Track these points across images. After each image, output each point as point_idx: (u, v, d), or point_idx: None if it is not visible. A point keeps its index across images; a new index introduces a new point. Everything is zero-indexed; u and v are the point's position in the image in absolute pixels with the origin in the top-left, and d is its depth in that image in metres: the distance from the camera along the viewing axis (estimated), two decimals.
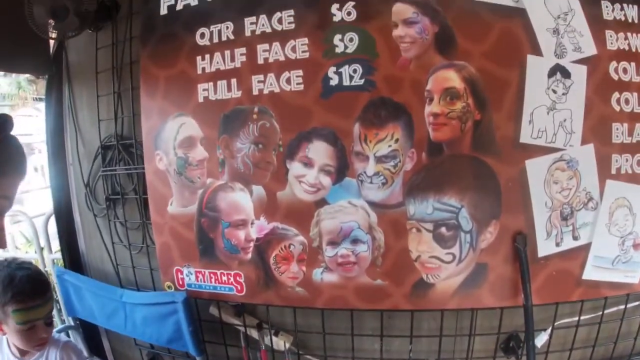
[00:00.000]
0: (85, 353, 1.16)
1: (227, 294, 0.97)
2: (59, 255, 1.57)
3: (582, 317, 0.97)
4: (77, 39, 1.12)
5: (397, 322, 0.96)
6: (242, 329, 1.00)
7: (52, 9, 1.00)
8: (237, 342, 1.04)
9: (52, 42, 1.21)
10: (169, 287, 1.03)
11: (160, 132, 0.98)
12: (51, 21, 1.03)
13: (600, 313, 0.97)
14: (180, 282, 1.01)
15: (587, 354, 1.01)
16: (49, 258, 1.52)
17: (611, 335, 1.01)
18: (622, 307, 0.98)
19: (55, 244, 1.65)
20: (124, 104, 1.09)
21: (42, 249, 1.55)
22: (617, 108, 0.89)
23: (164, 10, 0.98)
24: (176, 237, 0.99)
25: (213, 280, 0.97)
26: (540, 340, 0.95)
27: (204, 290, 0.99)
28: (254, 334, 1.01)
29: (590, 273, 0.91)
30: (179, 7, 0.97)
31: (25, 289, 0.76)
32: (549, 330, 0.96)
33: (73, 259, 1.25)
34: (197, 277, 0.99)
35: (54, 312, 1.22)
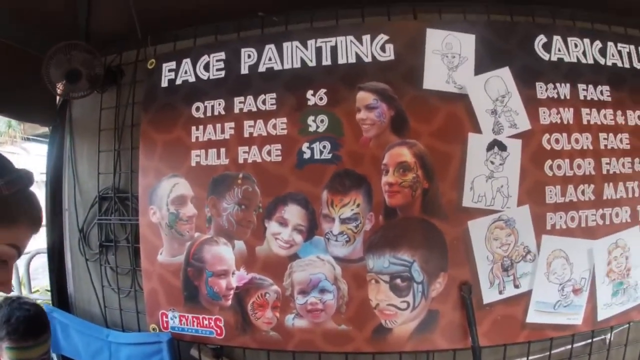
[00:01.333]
0: None
1: (208, 337, 1.17)
2: (37, 295, 1.75)
3: (531, 357, 1.19)
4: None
5: None
6: None
7: (67, 72, 1.26)
8: None
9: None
10: (154, 329, 1.22)
11: (155, 189, 1.22)
12: (64, 82, 1.29)
13: (549, 353, 1.20)
14: (165, 325, 1.21)
15: None
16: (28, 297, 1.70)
17: None
18: (570, 346, 1.21)
19: (34, 284, 1.83)
20: (122, 161, 1.34)
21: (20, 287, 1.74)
22: (550, 173, 1.17)
23: (164, 83, 1.26)
24: (164, 284, 1.20)
25: (195, 323, 1.18)
26: None
27: (186, 333, 1.19)
28: None
29: (534, 317, 1.14)
30: (179, 81, 1.25)
31: (19, 329, 0.89)
32: None
33: (61, 299, 1.44)
34: (180, 320, 1.19)
35: None
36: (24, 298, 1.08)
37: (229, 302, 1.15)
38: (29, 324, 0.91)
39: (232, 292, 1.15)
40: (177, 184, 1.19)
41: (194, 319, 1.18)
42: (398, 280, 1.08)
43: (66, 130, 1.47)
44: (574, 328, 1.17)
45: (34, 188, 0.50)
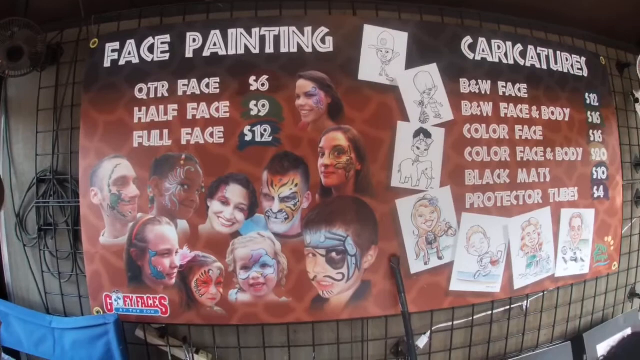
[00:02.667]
0: None
1: (153, 316, 1.21)
2: None
3: (456, 322, 1.37)
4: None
5: (302, 336, 1.26)
6: (165, 349, 1.25)
7: (9, 49, 1.21)
8: None
9: None
10: (98, 312, 1.23)
11: (96, 170, 1.22)
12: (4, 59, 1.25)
13: (471, 318, 1.38)
14: (109, 307, 1.22)
15: (467, 355, 1.41)
16: None
17: (486, 338, 1.41)
18: (490, 312, 1.40)
19: None
20: (61, 142, 1.32)
21: None
22: (470, 159, 1.34)
23: (107, 63, 1.26)
24: (106, 265, 1.22)
25: (140, 304, 1.21)
26: (422, 342, 1.31)
27: (131, 313, 1.21)
28: (177, 353, 1.25)
29: (456, 285, 1.31)
30: (122, 62, 1.25)
31: None
32: (428, 333, 1.33)
33: None
34: (125, 301, 1.22)
35: None
36: None
37: (173, 280, 1.19)
38: None
39: (176, 270, 1.19)
40: (119, 165, 1.21)
41: (139, 299, 1.21)
42: (333, 254, 1.20)
43: (1, 109, 1.42)
44: (492, 295, 1.36)
45: None
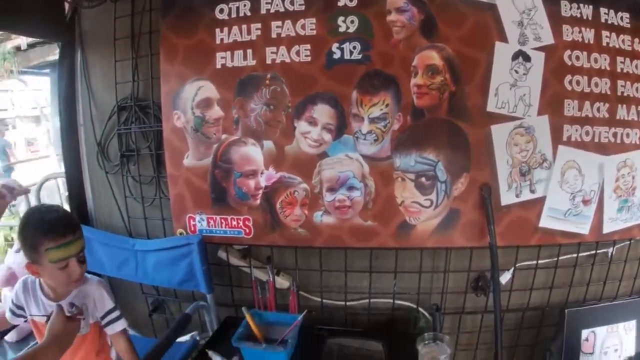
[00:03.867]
0: None
1: (237, 237, 1.25)
2: None
3: (540, 261, 1.32)
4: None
5: (384, 262, 1.27)
6: (247, 270, 1.29)
7: None
8: (239, 284, 1.30)
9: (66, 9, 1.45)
10: (181, 233, 1.29)
11: (179, 94, 1.24)
12: None
13: (556, 259, 1.33)
14: (192, 228, 1.27)
15: (546, 297, 1.37)
16: None
17: (567, 282, 1.36)
18: (575, 255, 1.34)
19: None
20: (140, 69, 1.34)
21: None
22: (569, 88, 1.24)
23: None
24: (190, 188, 1.26)
25: (224, 225, 1.25)
26: (505, 278, 1.28)
27: (214, 234, 1.26)
28: (258, 274, 1.29)
29: (546, 222, 1.25)
30: None
31: (57, 226, 0.88)
32: (511, 270, 1.29)
33: (81, 216, 1.48)
34: (208, 222, 1.26)
35: None
36: (46, 204, 1.05)
37: (258, 201, 1.22)
38: (65, 221, 0.92)
39: (260, 191, 1.21)
40: (202, 87, 1.22)
41: (222, 220, 1.25)
42: (423, 179, 1.17)
43: (77, 44, 1.45)
44: (581, 237, 1.28)
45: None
